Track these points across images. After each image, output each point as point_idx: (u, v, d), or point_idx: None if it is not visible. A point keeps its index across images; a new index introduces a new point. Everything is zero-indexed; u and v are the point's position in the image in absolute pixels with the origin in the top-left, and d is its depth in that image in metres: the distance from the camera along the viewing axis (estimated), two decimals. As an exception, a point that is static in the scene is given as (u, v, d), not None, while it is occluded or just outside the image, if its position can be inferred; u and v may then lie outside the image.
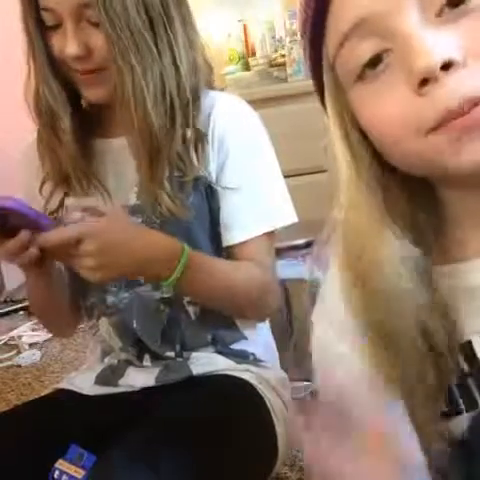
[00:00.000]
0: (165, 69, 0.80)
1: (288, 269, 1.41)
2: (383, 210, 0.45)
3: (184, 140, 0.84)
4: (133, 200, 0.87)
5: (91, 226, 0.75)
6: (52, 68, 0.82)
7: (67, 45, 0.78)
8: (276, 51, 2.33)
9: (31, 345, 2.18)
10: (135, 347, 0.91)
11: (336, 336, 0.55)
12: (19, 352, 2.14)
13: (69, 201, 0.90)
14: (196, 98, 0.85)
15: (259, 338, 0.96)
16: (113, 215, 0.81)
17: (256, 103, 2.15)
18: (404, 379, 0.48)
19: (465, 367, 0.49)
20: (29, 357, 2.07)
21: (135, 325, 0.89)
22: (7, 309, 2.48)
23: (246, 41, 2.43)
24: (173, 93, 0.81)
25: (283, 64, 2.20)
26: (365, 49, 0.41)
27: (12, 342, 2.25)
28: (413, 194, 0.46)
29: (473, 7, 0.39)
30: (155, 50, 0.79)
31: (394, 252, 0.45)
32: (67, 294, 0.94)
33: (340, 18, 0.42)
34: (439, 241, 0.48)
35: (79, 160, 0.86)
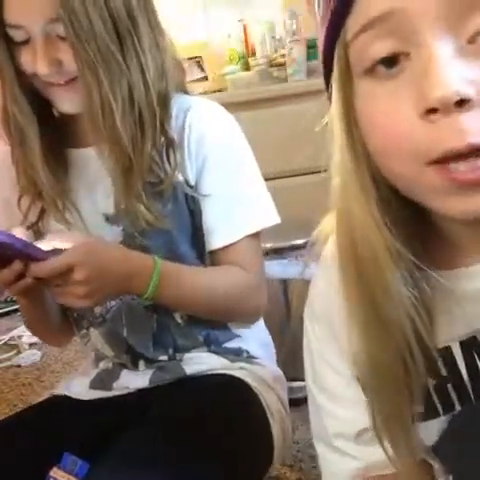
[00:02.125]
0: (133, 79, 0.78)
1: (289, 268, 1.41)
2: (375, 207, 0.44)
3: (156, 147, 0.82)
4: (112, 209, 0.86)
5: (80, 252, 0.75)
6: (20, 85, 0.80)
7: (38, 64, 0.76)
8: (276, 51, 2.33)
9: (31, 345, 2.18)
10: (128, 354, 0.91)
11: (321, 335, 0.56)
12: (19, 352, 2.14)
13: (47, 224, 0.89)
14: (166, 103, 0.83)
15: (253, 335, 0.96)
16: (92, 240, 0.82)
17: (256, 103, 2.17)
18: (382, 373, 0.48)
19: (444, 372, 0.49)
20: (29, 357, 2.08)
21: (125, 334, 0.90)
22: (7, 309, 2.48)
23: (246, 41, 2.42)
24: (142, 102, 0.80)
25: (283, 64, 2.20)
26: (385, 44, 0.38)
27: (12, 342, 2.25)
28: (404, 198, 0.45)
29: None
30: (122, 61, 0.77)
31: (386, 251, 0.44)
32: (56, 309, 0.94)
33: (372, 2, 0.38)
34: (427, 246, 0.48)
35: (50, 181, 0.84)
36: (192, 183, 0.86)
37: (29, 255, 0.73)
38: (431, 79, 0.36)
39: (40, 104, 0.83)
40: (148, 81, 0.80)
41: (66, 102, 0.81)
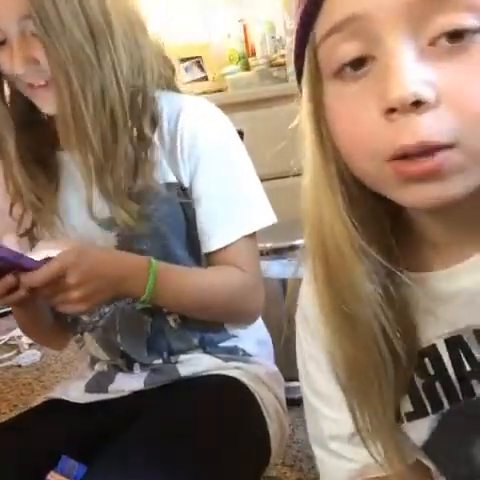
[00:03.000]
0: (105, 78, 0.76)
1: (289, 268, 1.41)
2: (342, 204, 0.46)
3: (133, 147, 0.81)
4: (104, 214, 0.84)
5: (70, 256, 0.74)
6: None
7: (14, 64, 0.74)
8: (276, 51, 2.33)
9: (31, 345, 2.18)
10: (123, 359, 0.91)
11: (310, 336, 0.57)
12: (19, 352, 2.15)
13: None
14: (144, 101, 0.81)
15: (250, 333, 0.95)
16: (81, 245, 0.80)
17: (256, 103, 2.16)
18: (363, 372, 0.49)
19: (431, 370, 0.50)
20: (29, 357, 2.08)
21: (119, 340, 0.89)
22: (7, 309, 2.48)
23: (246, 41, 2.43)
24: (114, 103, 0.77)
25: (283, 64, 2.20)
26: (351, 48, 0.40)
27: (12, 342, 2.25)
28: (375, 196, 0.46)
29: (469, 47, 0.37)
30: (95, 59, 0.75)
31: (351, 247, 0.45)
32: (49, 314, 0.94)
33: (336, 7, 0.40)
34: (404, 247, 0.48)
35: (28, 185, 0.83)
36: (186, 185, 0.85)
37: (21, 266, 0.72)
38: (391, 80, 0.37)
39: (22, 107, 0.82)
40: (121, 79, 0.77)
41: (47, 103, 0.79)
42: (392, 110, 0.38)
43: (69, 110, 0.75)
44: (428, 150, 0.37)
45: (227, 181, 0.86)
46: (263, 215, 0.88)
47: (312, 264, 0.49)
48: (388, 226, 0.48)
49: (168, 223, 0.84)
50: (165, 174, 0.84)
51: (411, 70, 0.37)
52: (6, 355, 2.14)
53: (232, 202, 0.86)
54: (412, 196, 0.40)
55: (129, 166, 0.81)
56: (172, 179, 0.84)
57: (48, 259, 0.74)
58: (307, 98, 0.45)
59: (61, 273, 0.73)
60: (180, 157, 0.84)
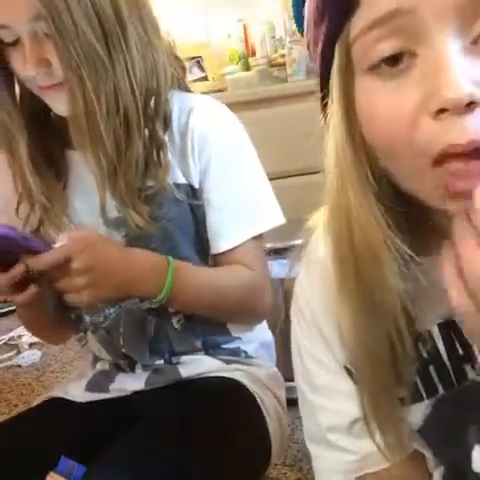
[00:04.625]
0: (118, 79, 0.75)
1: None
2: (374, 201, 0.45)
3: (145, 149, 0.80)
4: (112, 213, 0.84)
5: (78, 242, 0.74)
6: (7, 87, 0.78)
7: (26, 65, 0.73)
8: (276, 51, 2.33)
9: (31, 345, 2.17)
10: (125, 359, 0.91)
11: (307, 331, 0.57)
12: (19, 352, 2.14)
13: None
14: (157, 102, 0.81)
15: (254, 336, 0.96)
16: (97, 233, 0.80)
17: (256, 103, 2.16)
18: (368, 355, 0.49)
19: (425, 354, 0.51)
20: (29, 357, 2.07)
21: (122, 343, 0.89)
22: (7, 309, 2.48)
23: (246, 41, 2.42)
24: (127, 104, 0.76)
25: (283, 64, 2.20)
26: (391, 43, 0.38)
27: (12, 342, 2.25)
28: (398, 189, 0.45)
29: None
30: (108, 60, 0.74)
31: (385, 246, 0.45)
32: (53, 312, 0.93)
33: (379, 1, 0.38)
34: (420, 234, 0.48)
35: (38, 185, 0.82)
36: (196, 186, 0.85)
37: (30, 248, 0.73)
38: (442, 79, 0.36)
39: (34, 107, 0.82)
40: (134, 82, 0.77)
41: (60, 104, 0.78)
42: (443, 110, 0.37)
43: (82, 112, 0.75)
44: (478, 149, 0.37)
45: (237, 183, 0.86)
46: (272, 216, 0.88)
47: (337, 259, 0.48)
48: (406, 216, 0.47)
49: (176, 224, 0.84)
50: (175, 175, 0.84)
51: (463, 69, 0.36)
52: (6, 355, 2.13)
53: (242, 203, 0.86)
54: (458, 209, 0.39)
55: (140, 167, 0.80)
56: (182, 180, 0.84)
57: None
58: (337, 93, 0.44)
59: (68, 257, 0.73)
60: (191, 157, 0.84)
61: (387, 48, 0.39)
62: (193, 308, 0.86)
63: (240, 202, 0.86)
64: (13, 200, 0.87)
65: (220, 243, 0.86)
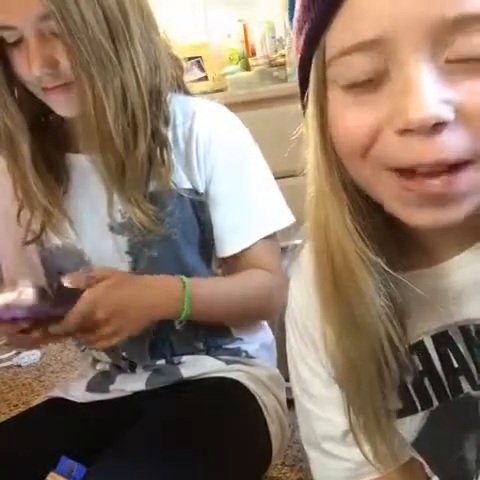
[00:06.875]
0: (125, 77, 0.74)
1: (289, 269, 1.41)
2: (348, 215, 0.45)
3: (150, 148, 0.80)
4: (119, 218, 0.84)
5: (96, 294, 0.74)
6: (10, 88, 0.77)
7: (31, 65, 0.71)
8: (276, 51, 2.33)
9: (31, 345, 2.17)
10: (126, 361, 0.91)
11: (300, 337, 0.57)
12: (19, 352, 2.14)
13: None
14: (158, 100, 0.80)
15: (255, 337, 0.96)
16: (110, 274, 0.79)
17: (256, 103, 2.16)
18: (356, 370, 0.49)
19: (419, 366, 0.51)
20: (29, 357, 2.07)
21: (121, 348, 0.89)
22: (7, 309, 2.48)
23: (246, 41, 2.42)
24: (135, 102, 0.76)
25: (283, 64, 2.20)
26: (368, 66, 0.39)
27: (12, 342, 2.24)
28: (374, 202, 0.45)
29: None
30: (115, 58, 0.73)
31: (360, 261, 0.45)
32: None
33: (357, 25, 0.38)
34: (399, 248, 0.49)
35: (42, 190, 0.81)
36: (201, 190, 0.85)
37: (49, 316, 0.73)
38: (410, 100, 0.36)
39: (33, 110, 0.81)
40: (140, 79, 0.76)
41: (64, 106, 0.77)
42: (408, 130, 0.37)
43: (92, 111, 0.74)
44: (444, 167, 0.37)
45: (243, 185, 0.86)
46: (280, 216, 0.88)
47: (317, 272, 0.49)
48: (386, 232, 0.47)
49: (180, 229, 0.84)
50: (180, 180, 0.83)
51: (432, 90, 0.36)
52: (6, 355, 2.13)
53: (248, 205, 0.86)
54: (421, 219, 0.40)
55: (145, 166, 0.80)
56: (187, 185, 0.84)
57: (70, 291, 0.74)
58: (313, 103, 0.45)
59: (90, 312, 0.73)
60: (196, 162, 0.83)
61: (362, 71, 0.39)
62: (213, 319, 0.87)
63: (247, 205, 0.86)
64: (11, 208, 0.86)
65: (229, 246, 0.86)
